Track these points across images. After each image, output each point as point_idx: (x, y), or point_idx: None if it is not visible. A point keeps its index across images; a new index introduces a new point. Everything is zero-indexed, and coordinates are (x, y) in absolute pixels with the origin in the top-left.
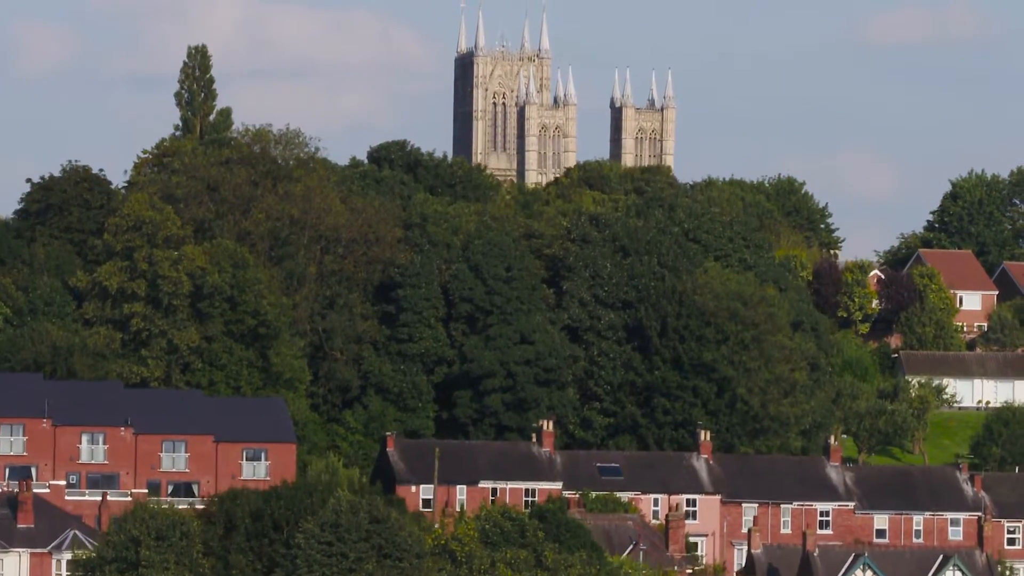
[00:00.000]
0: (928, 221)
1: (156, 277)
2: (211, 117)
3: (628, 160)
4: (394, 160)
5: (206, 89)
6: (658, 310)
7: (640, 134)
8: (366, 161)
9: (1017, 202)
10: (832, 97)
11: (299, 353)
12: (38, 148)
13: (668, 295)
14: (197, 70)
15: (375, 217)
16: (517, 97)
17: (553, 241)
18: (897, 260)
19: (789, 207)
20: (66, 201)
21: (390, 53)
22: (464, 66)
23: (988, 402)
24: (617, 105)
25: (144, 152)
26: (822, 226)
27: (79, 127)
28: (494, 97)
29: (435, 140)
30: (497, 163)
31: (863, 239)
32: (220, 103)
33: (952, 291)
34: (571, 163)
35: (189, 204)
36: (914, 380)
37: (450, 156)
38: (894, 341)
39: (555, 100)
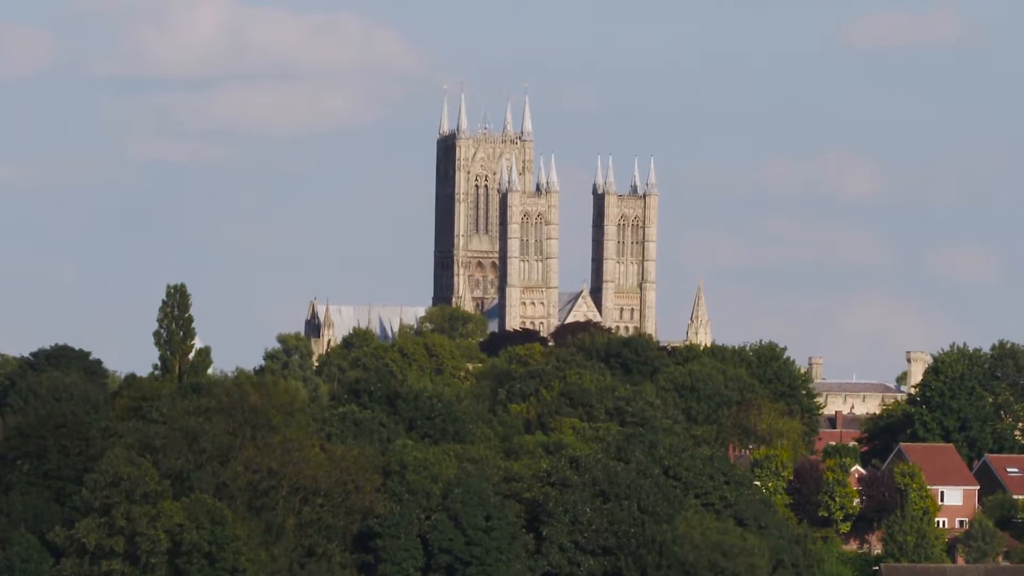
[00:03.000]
0: (910, 395)
1: (134, 534)
2: (190, 356)
3: (611, 249)
4: (373, 393)
5: (185, 328)
6: (638, 560)
7: (623, 221)
8: (345, 394)
9: (1000, 376)
10: (816, 104)
11: None
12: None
13: (648, 544)
14: (176, 308)
15: (354, 466)
16: (500, 183)
17: (532, 484)
18: (880, 428)
19: (770, 374)
20: (44, 448)
21: (373, 55)
22: (446, 148)
23: None
24: (599, 191)
25: (124, 396)
26: (803, 392)
27: (61, 128)
28: (476, 179)
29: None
30: (480, 245)
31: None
32: (203, 106)
33: (933, 487)
34: (553, 251)
35: (167, 455)
36: None
37: (432, 239)
38: (875, 540)
39: (537, 187)
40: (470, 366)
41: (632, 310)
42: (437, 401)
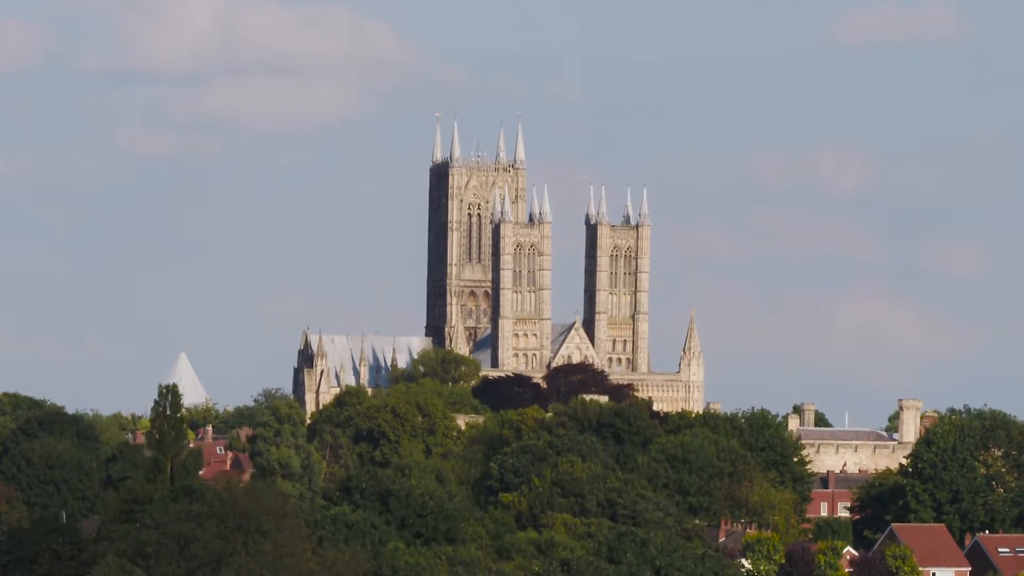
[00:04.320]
0: (902, 465)
1: None
2: (181, 456)
3: (603, 280)
4: (365, 490)
5: (176, 428)
6: None
7: (615, 251)
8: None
9: (991, 446)
10: (810, 99)
11: None
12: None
13: None
14: (168, 409)
15: (345, 570)
16: (492, 213)
17: None
18: (871, 497)
19: (762, 442)
20: (37, 554)
21: (365, 48)
22: (439, 176)
23: None
24: (592, 222)
25: (113, 502)
26: (795, 459)
27: (53, 122)
28: (469, 208)
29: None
30: (472, 274)
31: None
32: (195, 100)
33: (925, 568)
34: (546, 282)
35: (160, 561)
36: None
37: (425, 268)
38: None
39: (530, 217)
40: (462, 422)
41: (625, 341)
42: (429, 499)
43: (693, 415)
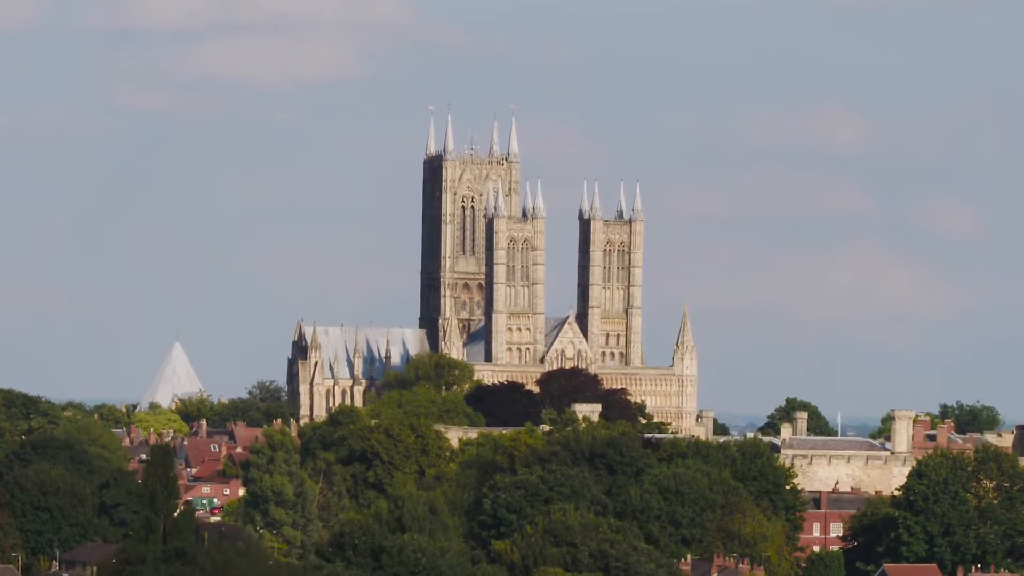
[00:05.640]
0: (894, 496)
1: None
2: (175, 514)
3: (597, 274)
4: (357, 546)
5: (169, 487)
6: None
7: (608, 246)
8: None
9: (983, 479)
10: (803, 58)
11: None
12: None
13: None
14: (160, 468)
15: None
16: (486, 208)
17: None
18: (863, 527)
19: (755, 471)
20: None
21: (360, 7)
22: (433, 169)
23: None
24: (585, 217)
25: (106, 563)
26: (788, 487)
27: (51, 79)
28: (463, 201)
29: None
30: (466, 267)
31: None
32: (192, 58)
33: None
34: (539, 276)
35: None
36: None
37: (419, 260)
38: None
39: (524, 212)
40: (455, 438)
41: (618, 336)
42: (421, 556)
43: (684, 444)
